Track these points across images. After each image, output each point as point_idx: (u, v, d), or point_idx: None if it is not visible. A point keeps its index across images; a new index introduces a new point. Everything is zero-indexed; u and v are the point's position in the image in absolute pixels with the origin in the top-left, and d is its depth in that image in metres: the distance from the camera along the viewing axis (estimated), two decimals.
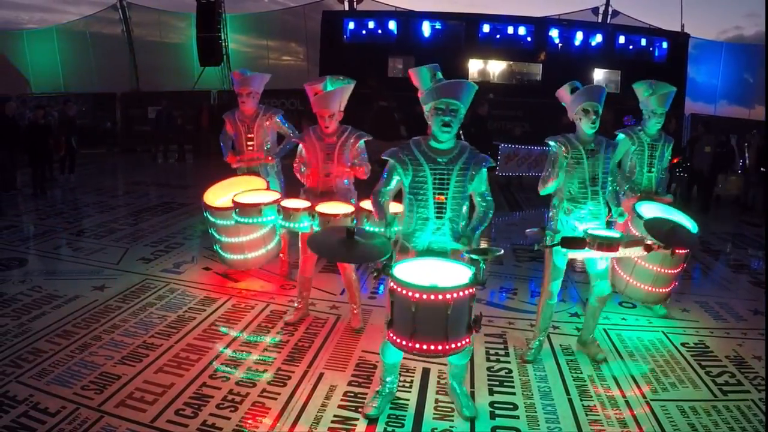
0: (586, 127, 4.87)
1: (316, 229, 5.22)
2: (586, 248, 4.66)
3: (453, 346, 3.65)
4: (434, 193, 4.04)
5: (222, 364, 4.96)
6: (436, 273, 3.79)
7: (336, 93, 5.39)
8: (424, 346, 3.61)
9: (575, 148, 4.93)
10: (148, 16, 20.63)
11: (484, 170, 4.16)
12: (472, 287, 3.66)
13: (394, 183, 4.19)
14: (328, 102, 5.38)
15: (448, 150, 4.08)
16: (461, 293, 3.57)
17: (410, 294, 3.53)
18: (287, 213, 5.38)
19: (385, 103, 12.98)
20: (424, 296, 3.51)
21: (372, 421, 4.19)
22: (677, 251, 5.29)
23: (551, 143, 5.03)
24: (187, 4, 19.31)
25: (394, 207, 4.47)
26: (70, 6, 20.48)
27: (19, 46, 20.16)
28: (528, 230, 4.88)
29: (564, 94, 5.00)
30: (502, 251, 4.03)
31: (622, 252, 4.85)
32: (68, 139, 13.24)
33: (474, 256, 3.78)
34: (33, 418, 4.04)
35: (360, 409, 4.30)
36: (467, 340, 3.76)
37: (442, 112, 3.95)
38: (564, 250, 4.80)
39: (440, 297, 3.51)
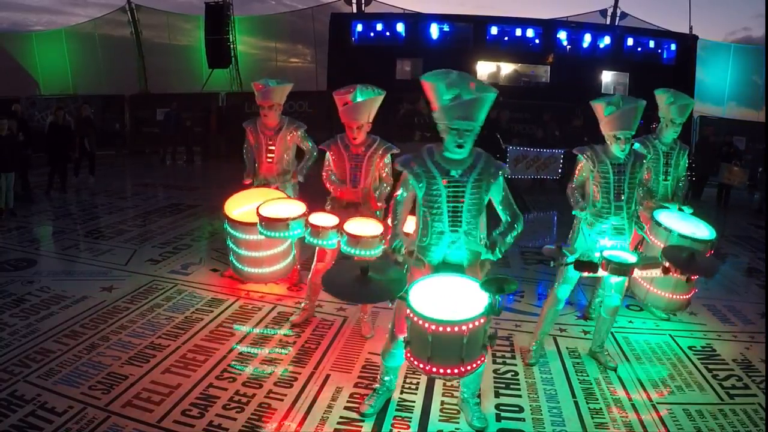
0: (617, 150, 4.89)
1: (344, 247, 5.14)
2: (599, 271, 4.66)
3: (469, 368, 3.62)
4: (449, 207, 3.93)
5: (228, 365, 4.98)
6: (451, 296, 3.71)
7: (365, 104, 5.31)
8: (441, 370, 3.59)
9: (602, 163, 4.94)
10: (156, 18, 20.68)
11: (501, 178, 4.05)
12: (488, 317, 3.59)
13: (409, 191, 4.08)
14: (356, 113, 5.30)
15: (462, 160, 3.96)
16: (476, 323, 3.52)
17: (426, 325, 3.49)
18: (315, 230, 5.25)
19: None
20: (441, 328, 3.47)
21: (377, 420, 4.22)
22: (693, 277, 5.20)
23: (579, 156, 5.06)
24: (196, 6, 19.43)
25: (408, 225, 4.41)
26: (78, 8, 20.63)
27: (28, 48, 20.28)
28: (545, 247, 4.81)
29: (600, 111, 4.94)
30: (517, 284, 3.90)
31: (638, 274, 4.83)
32: (81, 141, 13.30)
33: (489, 291, 3.61)
34: (40, 417, 4.07)
35: (357, 408, 4.33)
36: (482, 359, 3.72)
37: (456, 133, 3.83)
38: (577, 271, 4.80)
39: (456, 329, 3.47)
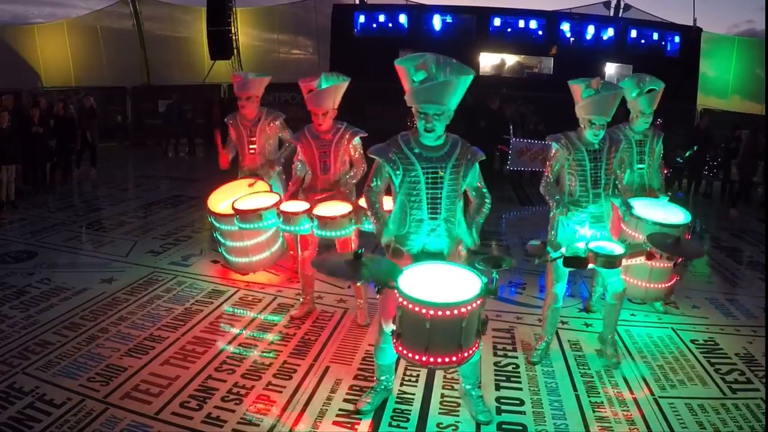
0: (591, 136, 4.83)
1: (316, 231, 5.27)
2: (589, 265, 4.60)
3: (466, 354, 3.57)
4: (428, 194, 3.88)
5: (228, 356, 4.96)
6: (442, 281, 3.65)
7: (329, 91, 5.38)
8: (439, 359, 3.51)
9: (578, 150, 4.86)
10: (158, 9, 20.62)
11: (477, 164, 4.04)
12: (484, 297, 3.54)
13: (384, 180, 4.05)
14: (321, 100, 5.37)
15: (440, 146, 3.93)
16: (475, 304, 3.45)
17: (424, 311, 3.39)
18: (287, 217, 5.39)
19: None
20: (439, 312, 3.37)
21: (376, 413, 4.20)
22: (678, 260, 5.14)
23: (553, 144, 4.97)
24: None
25: (386, 203, 4.36)
26: (79, 0, 20.41)
27: (29, 41, 20.20)
28: (528, 244, 4.73)
29: (577, 93, 4.89)
30: (515, 262, 3.86)
31: (624, 262, 4.77)
32: (84, 133, 13.27)
33: (483, 267, 3.59)
34: (38, 409, 4.06)
35: (354, 404, 4.30)
36: (477, 345, 3.69)
37: (424, 117, 3.78)
38: (566, 267, 4.73)
39: (455, 312, 3.39)
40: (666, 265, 5.62)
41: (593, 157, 4.86)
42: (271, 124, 6.74)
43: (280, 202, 5.66)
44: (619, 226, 5.67)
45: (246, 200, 5.90)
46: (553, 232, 5.06)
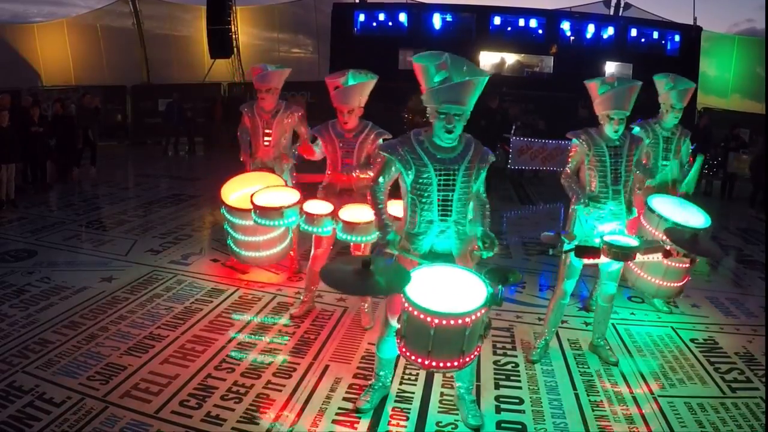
0: (610, 132, 4.80)
1: (340, 234, 5.18)
2: (601, 257, 4.60)
3: (467, 359, 3.58)
4: (439, 195, 3.82)
5: (227, 355, 4.96)
6: (447, 287, 3.62)
7: (356, 88, 5.25)
8: (441, 364, 3.54)
9: (598, 146, 4.84)
10: (158, 8, 20.61)
11: (486, 168, 3.99)
12: (489, 307, 3.52)
13: (391, 176, 3.94)
14: (347, 97, 5.25)
15: (454, 147, 3.85)
16: (479, 314, 3.45)
17: (428, 319, 3.39)
18: (310, 218, 5.29)
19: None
20: (443, 321, 3.38)
21: (375, 411, 4.20)
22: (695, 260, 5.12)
23: (573, 140, 4.96)
24: None
25: (395, 208, 4.33)
26: None
27: (29, 40, 20.20)
28: (543, 234, 4.68)
29: (594, 90, 4.87)
30: (521, 275, 3.84)
31: (640, 258, 4.76)
32: (85, 132, 13.25)
33: (492, 281, 3.54)
34: (38, 408, 4.06)
35: (353, 403, 4.29)
36: (479, 349, 3.70)
37: (445, 117, 3.70)
38: (578, 258, 4.73)
39: (459, 321, 3.39)
40: (682, 265, 5.60)
41: (613, 153, 4.83)
42: (290, 117, 6.60)
43: (302, 200, 5.52)
44: (634, 223, 5.63)
45: (263, 194, 5.71)
46: (569, 222, 5.04)
